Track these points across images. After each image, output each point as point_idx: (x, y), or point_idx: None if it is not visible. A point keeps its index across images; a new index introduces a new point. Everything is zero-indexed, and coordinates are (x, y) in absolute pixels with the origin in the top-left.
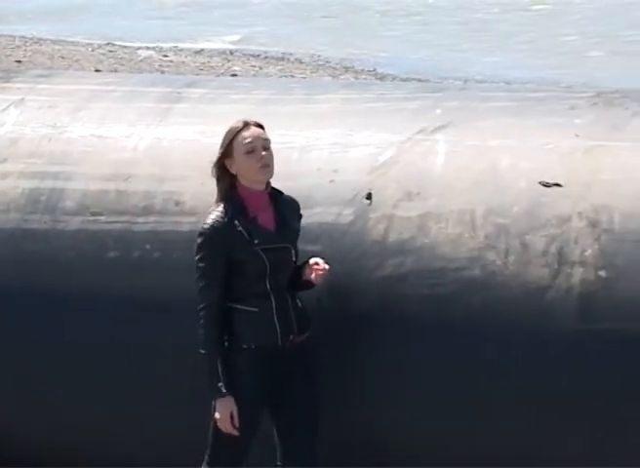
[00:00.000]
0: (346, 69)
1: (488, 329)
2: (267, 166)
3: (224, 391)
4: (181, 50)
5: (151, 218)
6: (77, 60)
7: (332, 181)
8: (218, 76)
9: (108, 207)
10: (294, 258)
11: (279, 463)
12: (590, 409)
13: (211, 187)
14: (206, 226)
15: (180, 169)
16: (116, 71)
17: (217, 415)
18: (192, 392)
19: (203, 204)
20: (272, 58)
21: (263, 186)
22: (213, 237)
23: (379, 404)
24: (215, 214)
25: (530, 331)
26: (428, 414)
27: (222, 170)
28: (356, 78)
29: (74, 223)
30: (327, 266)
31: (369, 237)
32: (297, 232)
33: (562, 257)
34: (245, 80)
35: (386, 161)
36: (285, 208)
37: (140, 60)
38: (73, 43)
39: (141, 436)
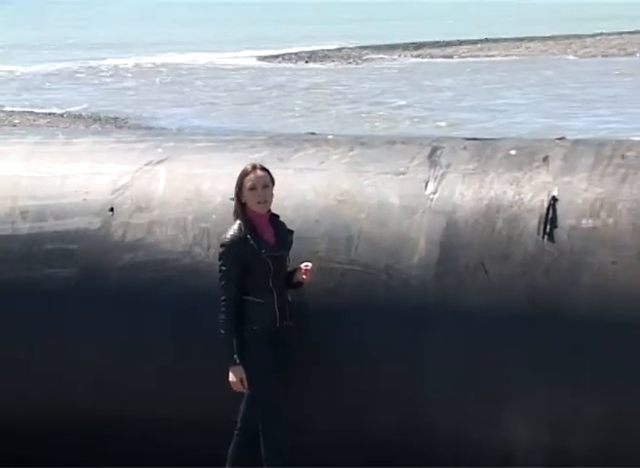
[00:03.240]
0: (94, 120)
1: (193, 299)
2: (264, 201)
3: (237, 361)
4: None
5: None
6: None
7: (85, 200)
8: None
9: None
10: (288, 264)
11: None
12: None
13: None
14: (226, 240)
15: None
16: None
17: (231, 378)
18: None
19: None
20: (41, 113)
21: (264, 212)
22: (231, 247)
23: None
24: (232, 231)
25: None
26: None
27: (237, 199)
28: (102, 127)
29: None
30: (310, 266)
31: (112, 238)
32: (290, 244)
33: None
34: (22, 129)
35: (123, 185)
36: (281, 227)
37: None
38: None
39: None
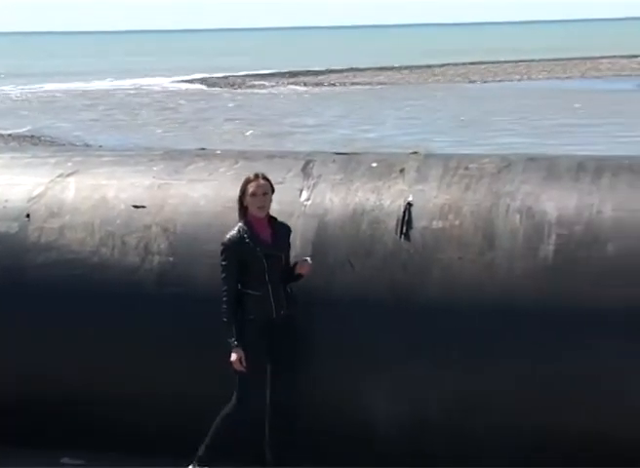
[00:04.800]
0: (13, 138)
1: (99, 293)
2: (263, 207)
3: (236, 344)
4: None
5: None
6: None
7: (4, 207)
8: None
9: None
10: (283, 261)
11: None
12: None
13: None
14: (226, 240)
15: None
16: None
17: (232, 358)
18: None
19: None
20: None
21: (263, 216)
22: (230, 246)
23: None
24: (233, 231)
25: (131, 293)
26: None
27: (240, 203)
28: (19, 144)
29: None
30: (310, 262)
31: (28, 240)
32: (287, 245)
33: (147, 250)
34: None
35: (38, 194)
36: (279, 229)
37: None
38: None
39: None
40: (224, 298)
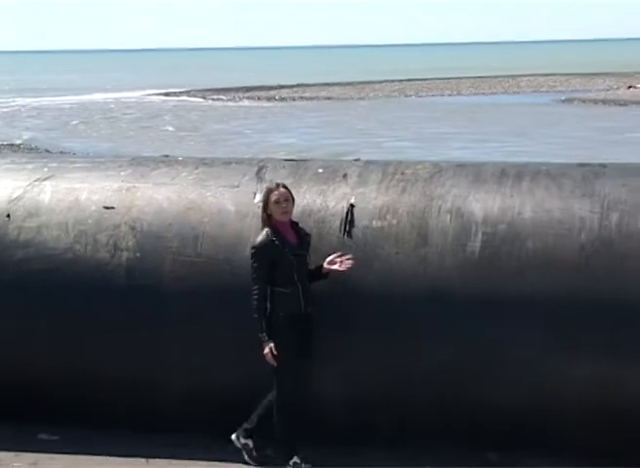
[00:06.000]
0: None
1: (73, 285)
2: (286, 212)
3: (267, 338)
4: None
5: None
6: None
7: None
8: None
9: None
10: (308, 260)
11: None
12: None
13: None
14: (257, 243)
15: None
16: None
17: (264, 352)
18: None
19: None
20: None
21: (287, 220)
22: (260, 249)
23: None
24: (261, 236)
25: (102, 285)
26: None
27: (264, 211)
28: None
29: None
30: (349, 258)
31: (8, 238)
32: (308, 246)
33: (116, 246)
34: None
35: (17, 196)
36: (300, 231)
37: None
38: None
39: None
40: (255, 297)
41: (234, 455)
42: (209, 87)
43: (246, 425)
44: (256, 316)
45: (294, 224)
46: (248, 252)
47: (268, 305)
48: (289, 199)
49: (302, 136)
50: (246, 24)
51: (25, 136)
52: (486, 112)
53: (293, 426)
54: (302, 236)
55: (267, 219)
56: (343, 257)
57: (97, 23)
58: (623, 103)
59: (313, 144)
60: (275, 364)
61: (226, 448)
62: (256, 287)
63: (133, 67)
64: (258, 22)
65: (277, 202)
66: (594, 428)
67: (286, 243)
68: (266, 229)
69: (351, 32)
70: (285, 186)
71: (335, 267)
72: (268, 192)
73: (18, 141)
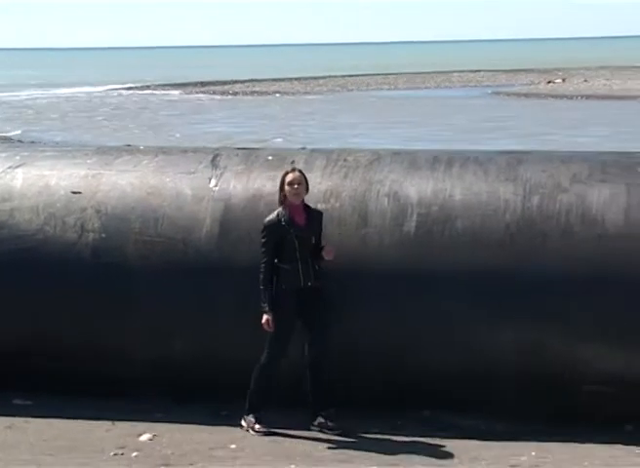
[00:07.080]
0: None
1: (44, 263)
2: (298, 194)
3: (268, 309)
4: None
5: None
6: None
7: None
8: None
9: None
10: (314, 241)
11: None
12: None
13: None
14: (266, 221)
15: None
16: None
17: (263, 321)
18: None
19: None
20: None
21: (298, 202)
22: (269, 226)
23: None
24: (273, 214)
25: (70, 264)
26: None
27: (280, 191)
28: None
29: None
30: (331, 247)
31: None
32: (319, 228)
33: (83, 228)
34: None
35: None
36: (312, 214)
37: None
38: None
39: None
40: (262, 270)
41: (193, 416)
42: (170, 82)
43: (247, 404)
44: (261, 287)
45: (307, 207)
46: (203, 232)
47: (275, 278)
48: (302, 182)
49: (231, 126)
50: (224, 23)
51: None
52: (411, 104)
53: (267, 388)
54: (312, 218)
55: (283, 200)
56: (331, 247)
57: (69, 22)
58: (543, 97)
59: (231, 131)
60: (272, 330)
61: (185, 410)
62: (263, 260)
63: (109, 64)
64: (232, 21)
65: (290, 183)
66: (517, 390)
67: (293, 224)
68: (279, 209)
69: (289, 31)
70: (300, 171)
71: (325, 256)
72: (284, 174)
73: None
